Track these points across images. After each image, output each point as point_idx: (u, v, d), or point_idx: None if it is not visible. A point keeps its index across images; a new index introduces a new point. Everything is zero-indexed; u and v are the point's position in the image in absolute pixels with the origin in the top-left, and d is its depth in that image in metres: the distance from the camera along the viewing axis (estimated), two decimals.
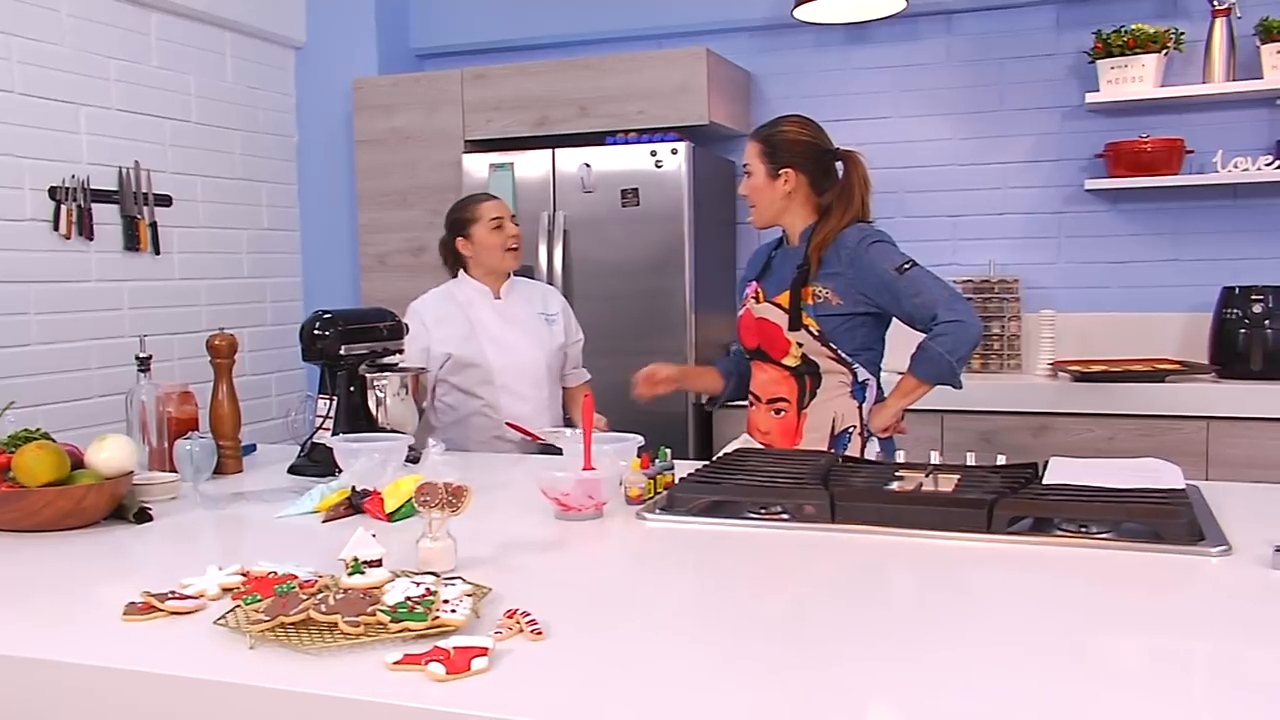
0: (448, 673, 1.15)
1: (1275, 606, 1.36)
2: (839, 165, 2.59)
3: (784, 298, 2.51)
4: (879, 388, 2.56)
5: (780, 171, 2.53)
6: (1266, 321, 3.50)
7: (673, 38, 4.43)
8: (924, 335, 2.42)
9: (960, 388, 2.45)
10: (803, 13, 3.80)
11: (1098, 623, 1.31)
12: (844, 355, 2.50)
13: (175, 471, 2.19)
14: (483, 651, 1.19)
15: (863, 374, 2.53)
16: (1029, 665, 1.17)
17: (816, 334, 2.48)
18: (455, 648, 1.20)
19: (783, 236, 2.65)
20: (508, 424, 2.98)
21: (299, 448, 2.41)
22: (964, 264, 4.17)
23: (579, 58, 4.17)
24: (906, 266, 2.43)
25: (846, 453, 2.47)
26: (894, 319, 2.54)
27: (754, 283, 2.64)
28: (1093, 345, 4.01)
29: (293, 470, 2.35)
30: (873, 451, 2.49)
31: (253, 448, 2.62)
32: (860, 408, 2.53)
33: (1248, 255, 3.84)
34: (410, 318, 3.12)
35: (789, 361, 2.53)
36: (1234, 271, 3.84)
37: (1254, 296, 3.53)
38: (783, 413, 2.56)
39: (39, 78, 3.55)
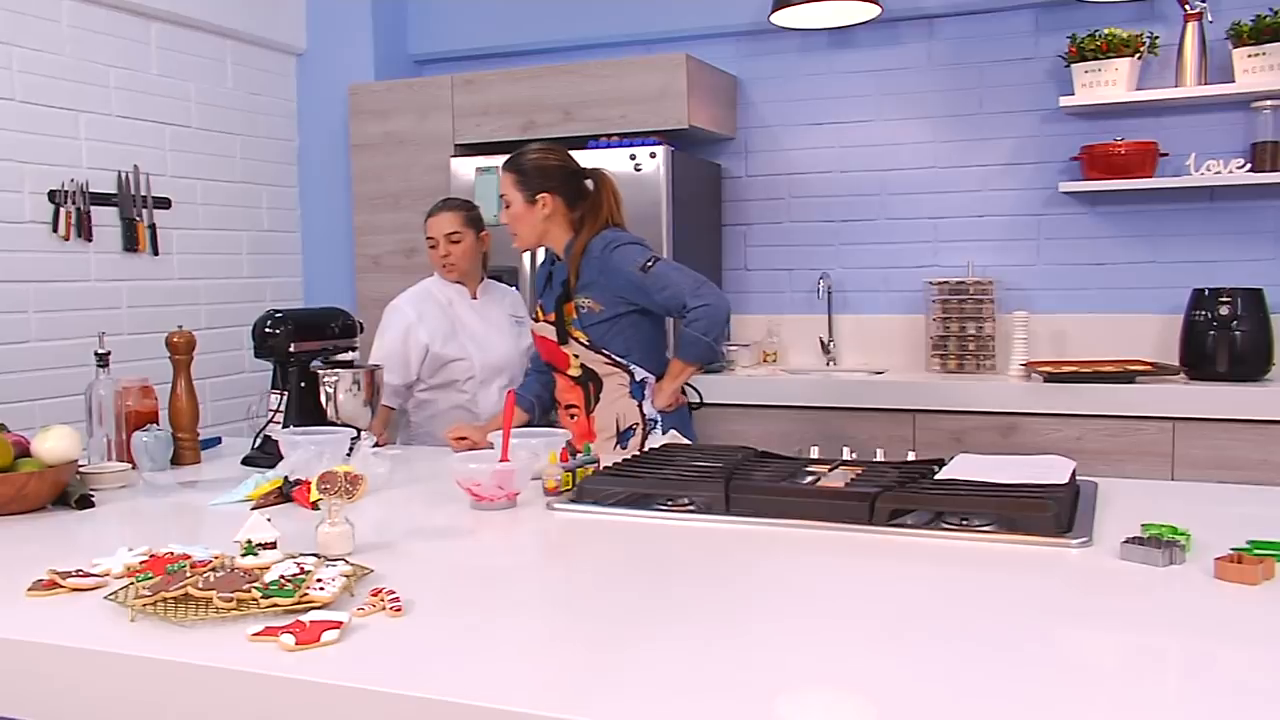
0: (297, 643, 1.25)
1: (1106, 592, 1.43)
2: (589, 183, 2.75)
3: (553, 315, 2.70)
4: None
5: (537, 197, 2.69)
6: (1234, 323, 3.52)
7: (660, 43, 4.51)
8: (682, 322, 2.64)
9: (723, 359, 2.69)
10: (779, 19, 3.87)
11: (942, 607, 1.38)
12: (617, 358, 2.69)
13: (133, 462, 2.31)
14: (335, 625, 1.29)
15: (640, 373, 2.72)
16: (840, 639, 1.24)
17: (587, 344, 2.67)
18: (311, 621, 1.30)
19: (556, 254, 2.80)
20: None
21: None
22: (945, 265, 4.22)
23: (563, 64, 4.28)
24: (649, 264, 2.60)
25: (629, 448, 2.72)
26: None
27: (539, 300, 2.82)
28: (1070, 347, 4.04)
29: (246, 461, 2.47)
30: (655, 443, 2.68)
31: (217, 440, 2.75)
32: (640, 405, 2.73)
33: (1223, 258, 3.86)
34: (391, 313, 3.24)
35: (572, 372, 2.74)
36: (1209, 273, 3.85)
37: (1222, 299, 3.55)
38: (575, 417, 2.77)
39: (39, 85, 3.71)
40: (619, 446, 2.71)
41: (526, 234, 2.74)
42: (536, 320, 2.82)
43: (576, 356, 2.70)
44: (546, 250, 2.85)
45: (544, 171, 2.70)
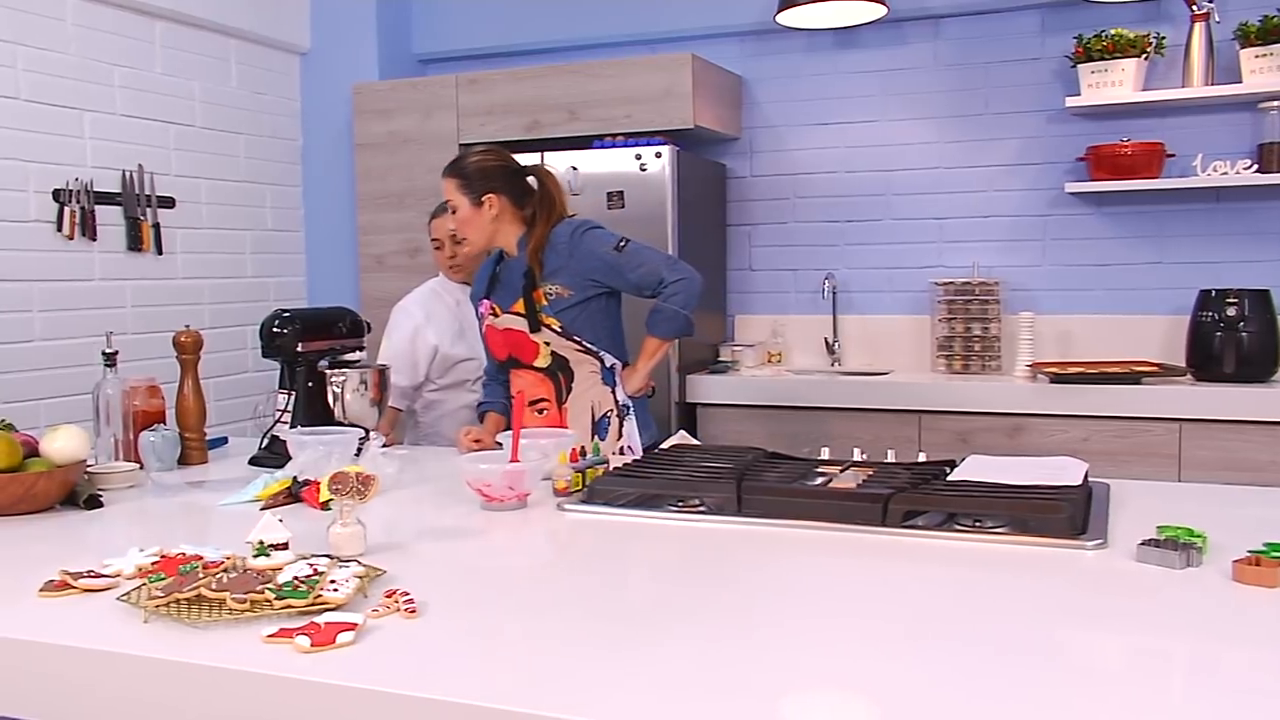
0: (313, 645, 1.24)
1: (1122, 594, 1.42)
2: (532, 180, 2.75)
3: (520, 305, 2.67)
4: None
5: (483, 199, 2.68)
6: (1241, 324, 3.52)
7: (665, 43, 4.51)
8: (654, 299, 2.64)
9: (693, 334, 2.70)
10: (785, 18, 3.86)
11: (955, 609, 1.37)
12: (588, 345, 2.68)
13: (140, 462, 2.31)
14: (350, 626, 1.28)
15: (609, 359, 2.72)
16: (852, 641, 1.24)
17: (560, 330, 2.66)
18: (326, 623, 1.29)
19: (501, 252, 2.78)
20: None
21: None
22: (950, 265, 4.21)
23: (568, 63, 4.27)
24: (623, 244, 2.63)
25: (606, 436, 2.71)
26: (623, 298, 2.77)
27: (486, 300, 2.78)
28: (1076, 347, 4.04)
29: (253, 461, 2.46)
30: (630, 429, 2.72)
31: (224, 440, 2.74)
32: (613, 391, 2.73)
33: (1229, 258, 3.85)
34: (398, 315, 3.24)
35: (540, 363, 2.70)
36: (1215, 274, 3.85)
37: (1229, 300, 3.55)
38: (545, 411, 2.73)
39: (44, 84, 3.70)
40: (595, 437, 2.69)
41: (475, 236, 2.72)
42: (496, 316, 2.74)
43: (548, 344, 2.67)
44: (495, 253, 2.82)
45: (486, 173, 2.69)
